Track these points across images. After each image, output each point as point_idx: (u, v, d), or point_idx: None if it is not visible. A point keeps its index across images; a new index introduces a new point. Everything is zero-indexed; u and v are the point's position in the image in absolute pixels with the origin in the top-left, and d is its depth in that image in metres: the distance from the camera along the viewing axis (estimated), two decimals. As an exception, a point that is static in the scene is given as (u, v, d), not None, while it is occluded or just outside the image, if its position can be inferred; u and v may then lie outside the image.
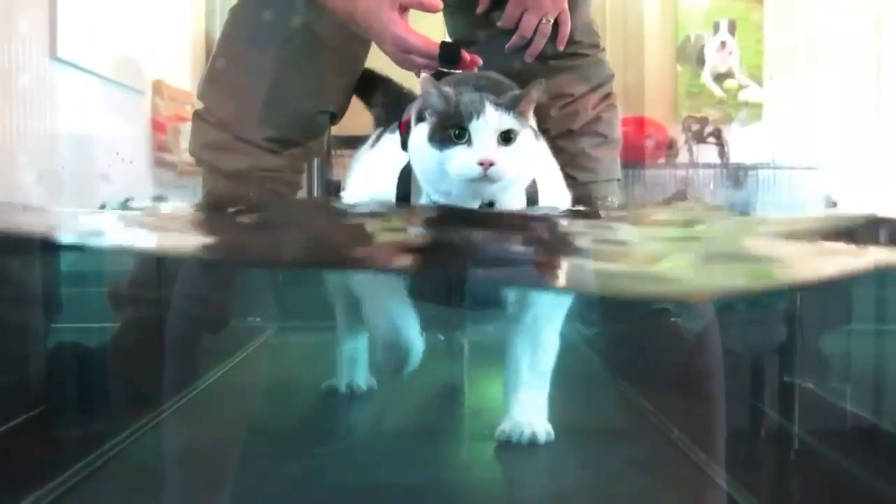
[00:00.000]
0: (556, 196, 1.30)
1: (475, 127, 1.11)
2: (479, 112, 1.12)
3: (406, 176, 1.23)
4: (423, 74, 1.18)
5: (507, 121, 1.13)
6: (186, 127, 2.83)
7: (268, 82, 1.59)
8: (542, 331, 1.31)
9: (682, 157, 3.71)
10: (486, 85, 1.21)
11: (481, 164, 1.10)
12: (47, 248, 1.34)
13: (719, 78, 3.79)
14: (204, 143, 1.65)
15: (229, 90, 1.63)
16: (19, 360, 1.31)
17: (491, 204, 1.16)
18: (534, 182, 1.22)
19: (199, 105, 1.67)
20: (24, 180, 1.93)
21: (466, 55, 1.34)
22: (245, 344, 1.78)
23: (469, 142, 1.12)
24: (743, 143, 3.69)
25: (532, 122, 1.19)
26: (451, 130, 1.12)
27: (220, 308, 1.63)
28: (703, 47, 3.78)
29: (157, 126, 2.85)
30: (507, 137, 1.13)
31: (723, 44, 3.77)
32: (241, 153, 1.61)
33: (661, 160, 3.63)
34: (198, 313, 1.54)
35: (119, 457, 1.21)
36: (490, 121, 1.12)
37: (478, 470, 1.27)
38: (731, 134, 3.71)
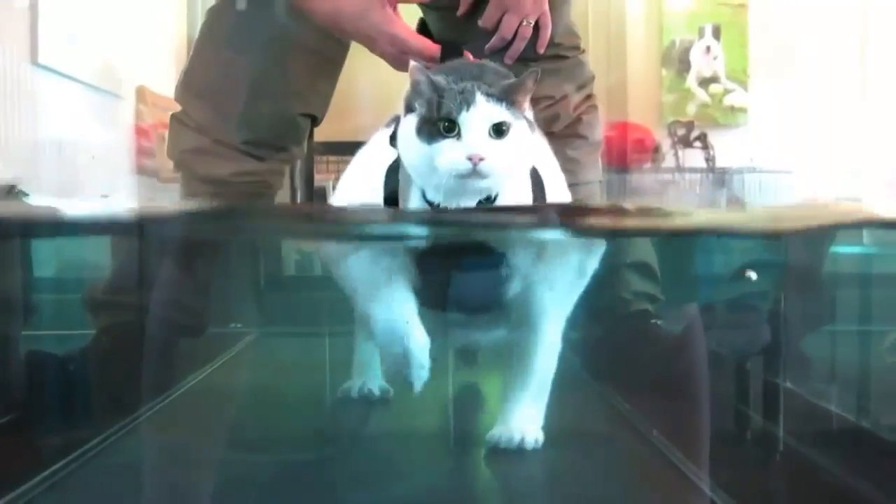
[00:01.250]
0: (557, 190, 1.25)
1: (465, 119, 1.05)
2: (469, 103, 1.06)
3: (393, 173, 1.17)
4: (413, 63, 1.11)
5: (499, 112, 1.07)
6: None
7: (246, 85, 1.58)
8: (542, 336, 1.26)
9: (668, 161, 3.71)
10: (480, 74, 1.13)
11: (470, 158, 1.04)
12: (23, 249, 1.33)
13: (704, 82, 3.80)
14: (182, 148, 1.63)
15: (207, 93, 1.61)
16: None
17: (490, 199, 1.10)
18: (537, 174, 1.16)
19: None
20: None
21: (470, 57, 1.30)
22: (225, 349, 1.77)
23: (458, 135, 1.06)
24: (728, 147, 3.69)
25: (528, 113, 1.13)
26: (439, 122, 1.06)
27: (198, 313, 1.62)
28: (688, 52, 3.78)
29: (139, 132, 2.83)
30: (499, 130, 1.06)
31: (708, 48, 3.77)
32: (220, 157, 1.60)
33: (647, 164, 3.63)
34: (176, 318, 1.53)
35: (92, 462, 1.20)
36: (481, 112, 1.06)
37: (459, 474, 1.25)
38: (717, 138, 3.71)
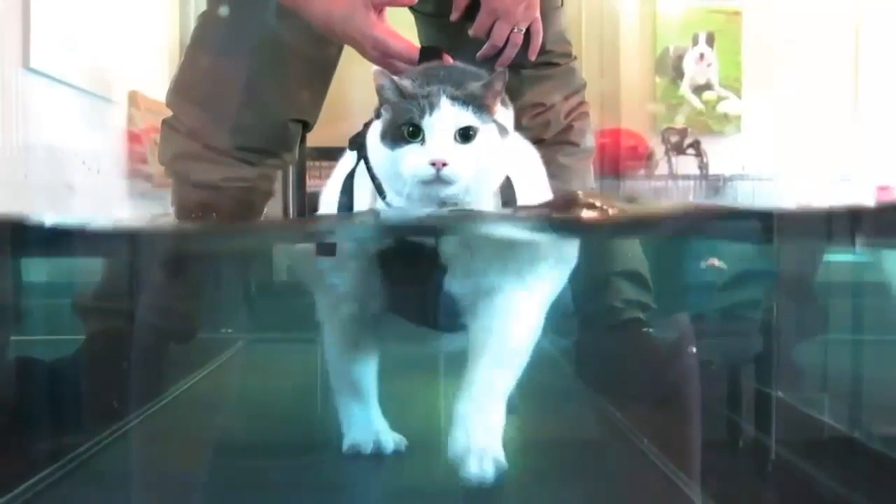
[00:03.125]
0: (535, 199, 1.19)
1: (429, 123, 1.03)
2: (433, 106, 1.03)
3: (350, 180, 1.16)
4: (374, 67, 1.10)
5: (465, 117, 1.04)
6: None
7: (237, 90, 1.58)
8: (502, 346, 1.15)
9: (662, 168, 3.71)
10: (448, 76, 1.10)
11: (434, 164, 1.01)
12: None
13: (698, 90, 3.79)
14: (174, 153, 1.63)
15: (199, 98, 1.61)
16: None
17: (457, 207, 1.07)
18: (509, 181, 1.12)
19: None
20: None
21: (449, 59, 1.29)
22: (216, 355, 1.76)
23: (422, 140, 1.03)
24: (722, 155, 3.69)
25: (502, 116, 1.10)
26: (403, 127, 1.04)
27: (188, 318, 1.61)
28: (681, 59, 3.78)
29: (132, 137, 2.82)
30: (465, 135, 1.04)
31: (701, 55, 3.77)
32: (212, 163, 1.60)
33: (641, 171, 3.63)
34: (165, 324, 1.52)
35: (81, 469, 1.19)
36: (446, 116, 1.03)
37: (441, 485, 1.21)
38: (710, 145, 3.72)
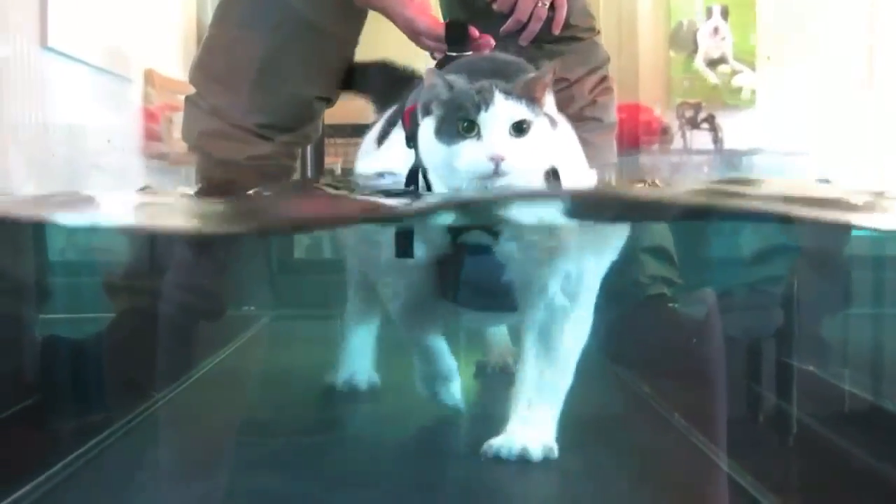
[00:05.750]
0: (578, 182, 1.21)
1: (484, 119, 1.04)
2: (488, 102, 1.04)
3: (413, 175, 1.16)
4: (428, 66, 1.13)
5: (519, 110, 1.05)
6: (178, 116, 2.81)
7: (261, 67, 1.58)
8: (560, 338, 1.20)
9: (676, 142, 3.70)
10: (496, 69, 1.13)
11: (492, 159, 1.03)
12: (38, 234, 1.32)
13: (712, 64, 3.77)
14: (197, 130, 1.64)
15: (222, 76, 1.61)
16: (8, 352, 1.29)
17: None
18: (556, 172, 1.13)
19: (191, 91, 1.66)
20: (14, 170, 1.91)
21: (475, 33, 1.29)
22: (240, 333, 1.76)
23: (478, 135, 1.04)
24: (737, 129, 3.68)
25: (549, 107, 1.11)
26: (458, 123, 1.05)
27: (217, 296, 1.62)
28: (696, 33, 3.76)
29: (148, 115, 2.82)
30: (519, 128, 1.05)
31: (716, 29, 3.75)
32: (236, 140, 1.60)
33: (655, 146, 3.62)
34: (195, 302, 1.53)
35: (114, 446, 1.20)
36: (500, 111, 1.05)
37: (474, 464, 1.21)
38: (725, 119, 3.70)
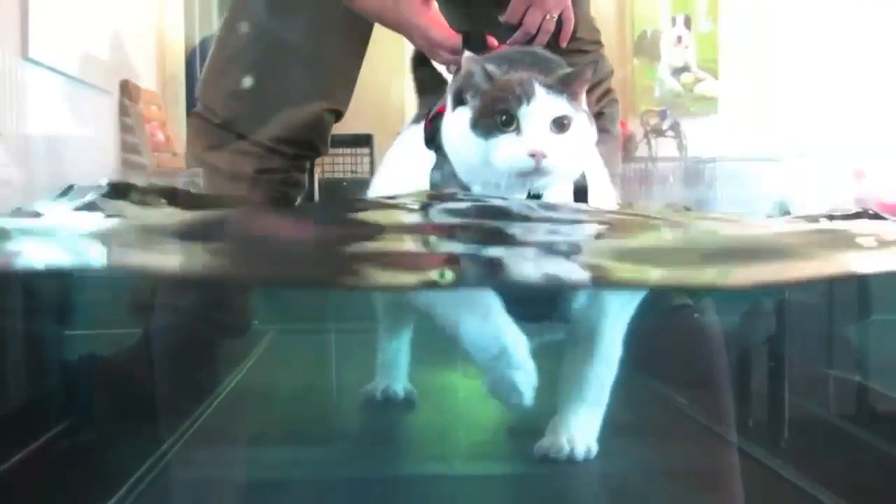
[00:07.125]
0: (603, 192, 1.17)
1: (525, 113, 0.99)
2: (529, 95, 0.99)
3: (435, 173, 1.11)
4: (466, 53, 1.06)
5: (560, 105, 1.00)
6: (151, 128, 2.79)
7: (273, 82, 1.57)
8: (601, 341, 1.18)
9: (641, 150, 3.75)
10: (534, 62, 1.07)
11: (532, 155, 0.98)
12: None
13: (676, 72, 3.84)
14: (205, 145, 1.61)
15: (232, 90, 1.60)
16: (36, 374, 1.27)
17: (537, 196, 1.04)
18: (583, 175, 1.08)
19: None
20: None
21: (494, 42, 1.28)
22: (250, 349, 1.74)
23: (518, 129, 0.99)
24: (700, 136, 3.74)
25: (585, 104, 1.06)
26: (497, 116, 0.99)
27: (242, 312, 1.60)
28: (660, 41, 3.82)
29: (125, 127, 2.79)
30: (560, 124, 1.00)
31: (679, 38, 3.81)
32: (246, 154, 1.58)
33: (620, 154, 3.65)
34: (221, 318, 1.51)
35: (170, 467, 1.17)
36: (541, 106, 0.99)
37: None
38: (688, 127, 3.76)
